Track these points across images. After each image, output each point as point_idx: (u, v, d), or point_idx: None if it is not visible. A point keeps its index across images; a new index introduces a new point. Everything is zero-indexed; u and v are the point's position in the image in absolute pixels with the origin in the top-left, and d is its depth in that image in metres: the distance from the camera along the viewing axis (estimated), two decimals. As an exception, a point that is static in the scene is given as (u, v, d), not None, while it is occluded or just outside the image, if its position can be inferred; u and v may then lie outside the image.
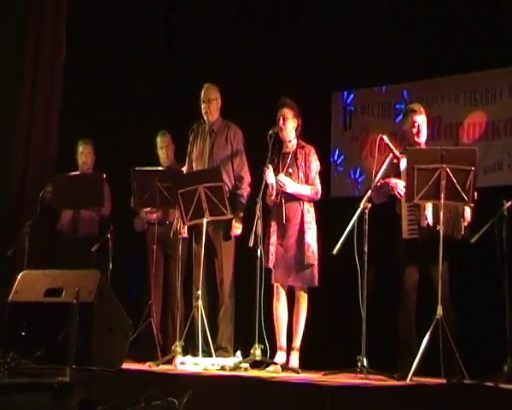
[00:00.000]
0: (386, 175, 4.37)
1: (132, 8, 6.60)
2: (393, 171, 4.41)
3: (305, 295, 4.68)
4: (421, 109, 4.49)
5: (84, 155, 5.83)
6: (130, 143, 6.34)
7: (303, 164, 4.74)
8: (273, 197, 4.69)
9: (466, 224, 4.26)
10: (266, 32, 6.20)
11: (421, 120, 4.45)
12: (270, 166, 4.66)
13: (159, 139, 5.72)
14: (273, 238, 4.70)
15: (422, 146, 4.47)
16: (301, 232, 4.64)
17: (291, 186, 4.65)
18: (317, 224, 4.77)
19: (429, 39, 5.54)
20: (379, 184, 4.36)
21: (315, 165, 4.77)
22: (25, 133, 6.17)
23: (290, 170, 4.68)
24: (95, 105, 6.22)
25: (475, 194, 4.15)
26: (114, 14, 6.47)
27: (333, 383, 3.15)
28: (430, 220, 4.25)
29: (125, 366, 4.12)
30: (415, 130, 4.44)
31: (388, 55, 5.68)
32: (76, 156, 5.88)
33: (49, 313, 3.80)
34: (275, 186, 4.66)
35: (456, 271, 4.33)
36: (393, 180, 4.38)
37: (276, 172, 4.72)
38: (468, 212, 4.26)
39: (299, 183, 4.71)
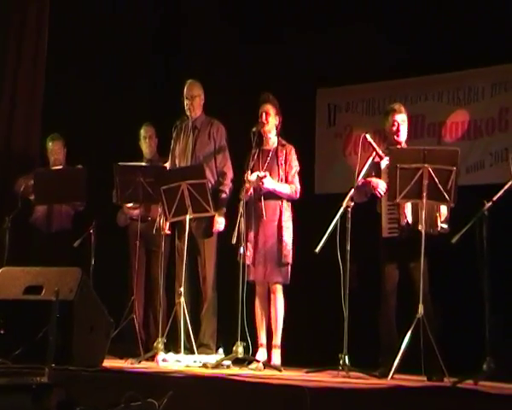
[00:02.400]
0: (367, 174, 4.38)
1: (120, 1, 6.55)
2: (374, 170, 4.43)
3: (281, 293, 4.68)
4: (402, 108, 4.51)
5: (55, 152, 5.77)
6: (114, 137, 6.29)
7: (283, 162, 4.76)
8: (249, 193, 4.67)
9: (443, 219, 4.27)
10: (251, 29, 6.17)
11: (400, 119, 4.47)
12: (248, 172, 4.64)
13: (142, 130, 5.67)
14: (250, 235, 4.69)
15: (403, 145, 4.50)
16: (279, 231, 4.66)
17: (270, 183, 4.65)
18: (300, 221, 4.78)
19: (413, 38, 5.56)
20: (360, 183, 4.38)
21: (294, 164, 4.79)
22: (6, 127, 6.10)
23: (267, 174, 4.66)
24: (77, 98, 6.16)
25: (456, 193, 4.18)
26: (101, 7, 6.41)
27: (313, 384, 3.15)
28: (409, 219, 4.28)
29: (107, 363, 4.10)
30: (394, 128, 4.47)
31: (373, 52, 5.68)
32: (46, 153, 5.81)
33: (29, 311, 3.76)
34: (254, 182, 4.64)
35: (436, 270, 4.36)
36: (375, 180, 4.40)
37: (256, 168, 4.72)
38: (443, 207, 4.27)
39: (279, 181, 4.72)
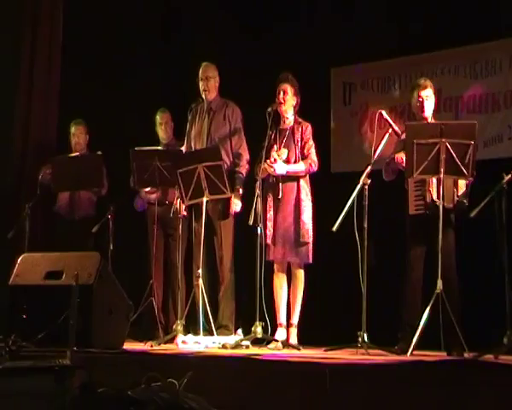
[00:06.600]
0: (393, 151, 4.36)
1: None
2: (400, 147, 4.38)
3: (302, 272, 4.69)
4: (427, 84, 4.46)
5: (77, 135, 5.81)
6: (130, 123, 6.31)
7: (299, 139, 4.75)
8: (265, 173, 4.65)
9: (460, 193, 4.23)
10: (266, 9, 6.13)
11: (425, 94, 4.42)
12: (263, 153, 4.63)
13: (158, 116, 5.70)
14: (270, 214, 4.70)
15: (429, 120, 4.44)
16: (298, 210, 4.66)
17: (281, 168, 4.63)
18: (317, 200, 4.76)
19: (429, 12, 5.48)
20: (387, 160, 4.35)
21: (310, 140, 4.76)
22: (23, 115, 6.14)
23: (285, 155, 4.65)
24: (93, 85, 6.17)
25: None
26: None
27: (332, 361, 3.16)
28: (435, 195, 4.23)
29: (127, 346, 4.14)
30: (419, 104, 4.42)
31: (388, 28, 5.63)
32: (69, 137, 5.86)
33: (50, 295, 3.81)
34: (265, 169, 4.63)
35: (456, 244, 4.32)
36: (399, 155, 4.35)
37: (273, 148, 4.71)
38: (461, 182, 4.23)
39: (296, 159, 4.70)
